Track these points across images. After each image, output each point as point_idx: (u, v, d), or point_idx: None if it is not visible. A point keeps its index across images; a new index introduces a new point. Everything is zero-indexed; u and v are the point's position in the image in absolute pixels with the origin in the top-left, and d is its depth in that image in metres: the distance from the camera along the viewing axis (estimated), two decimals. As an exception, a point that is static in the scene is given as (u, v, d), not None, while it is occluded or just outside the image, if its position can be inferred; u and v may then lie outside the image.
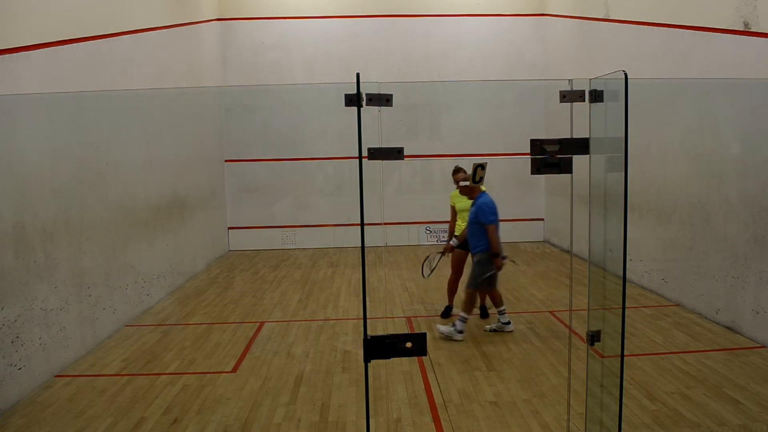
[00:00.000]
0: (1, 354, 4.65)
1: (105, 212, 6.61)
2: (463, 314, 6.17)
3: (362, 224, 3.12)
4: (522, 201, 12.55)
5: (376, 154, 2.80)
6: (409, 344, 2.81)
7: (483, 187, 6.33)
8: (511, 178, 12.26)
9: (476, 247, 6.27)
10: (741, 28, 6.02)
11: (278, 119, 12.49)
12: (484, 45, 12.56)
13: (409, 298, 8.10)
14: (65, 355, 5.60)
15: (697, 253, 6.83)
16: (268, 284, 9.24)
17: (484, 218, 6.12)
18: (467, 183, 6.30)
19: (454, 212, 6.89)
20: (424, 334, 2.85)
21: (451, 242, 6.81)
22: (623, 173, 2.78)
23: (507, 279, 8.94)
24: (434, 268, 7.01)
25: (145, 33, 8.12)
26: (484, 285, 6.29)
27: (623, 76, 2.67)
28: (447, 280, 7.03)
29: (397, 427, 4.28)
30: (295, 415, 4.52)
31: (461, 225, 6.76)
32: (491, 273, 6.16)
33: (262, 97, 12.90)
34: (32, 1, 5.40)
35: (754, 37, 5.82)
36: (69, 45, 5.98)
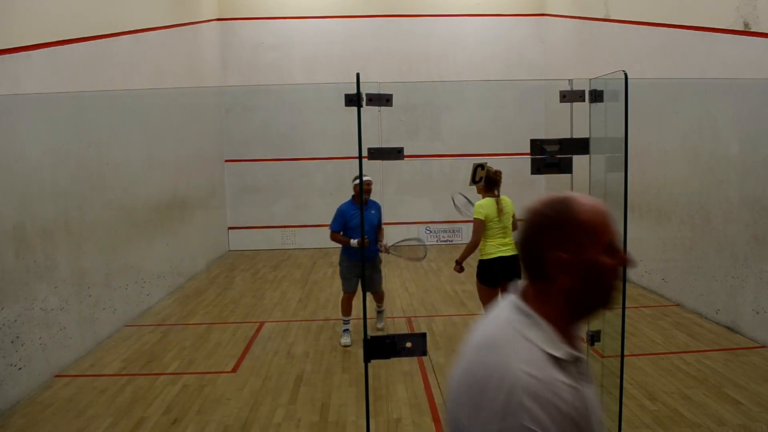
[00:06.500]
0: (1, 354, 4.65)
1: (105, 212, 6.61)
2: None
3: (362, 224, 3.15)
4: (522, 201, 12.41)
5: (376, 154, 2.80)
6: (409, 344, 2.81)
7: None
8: (511, 178, 12.18)
9: None
10: (741, 28, 6.02)
11: (278, 119, 12.49)
12: (484, 45, 12.55)
13: (409, 298, 8.10)
14: (65, 355, 5.59)
15: (697, 253, 6.83)
16: (268, 284, 9.23)
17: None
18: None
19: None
20: (424, 334, 2.85)
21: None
22: (623, 173, 2.78)
23: (507, 279, 8.94)
24: None
25: (145, 33, 8.12)
26: None
27: (623, 76, 2.67)
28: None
29: (397, 427, 4.28)
30: (295, 415, 4.52)
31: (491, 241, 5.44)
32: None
33: (262, 97, 12.89)
34: (32, 1, 5.40)
35: (754, 37, 5.82)
36: (69, 45, 5.98)
